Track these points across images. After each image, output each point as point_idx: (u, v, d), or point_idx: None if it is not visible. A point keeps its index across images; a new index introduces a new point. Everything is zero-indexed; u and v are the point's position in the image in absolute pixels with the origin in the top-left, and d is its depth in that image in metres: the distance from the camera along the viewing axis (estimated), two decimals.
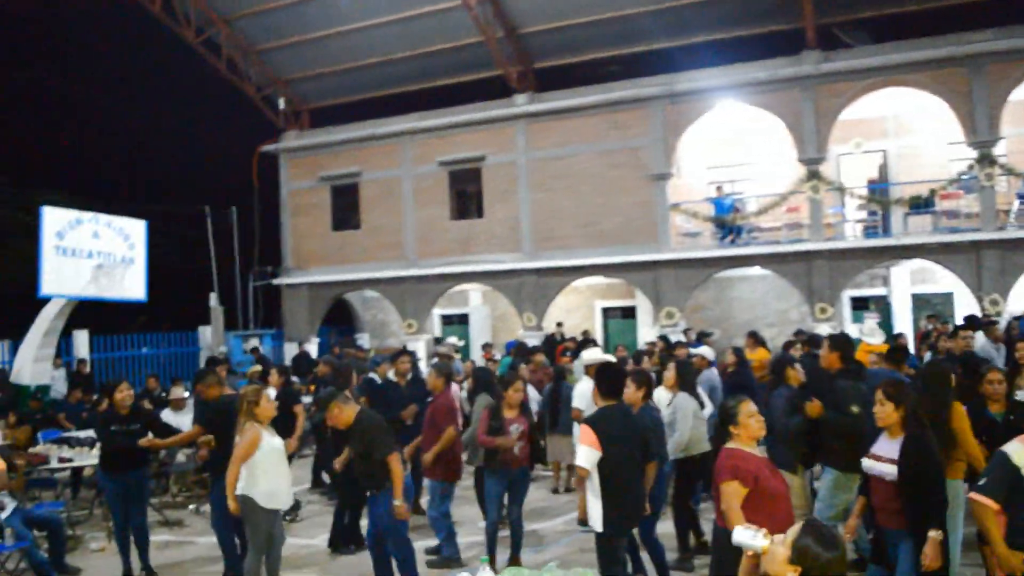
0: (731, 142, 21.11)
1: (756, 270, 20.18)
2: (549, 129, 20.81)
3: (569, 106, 20.44)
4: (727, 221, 19.21)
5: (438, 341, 15.02)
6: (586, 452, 5.60)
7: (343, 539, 8.45)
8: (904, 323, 19.64)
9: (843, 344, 7.06)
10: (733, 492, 4.61)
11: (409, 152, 22.41)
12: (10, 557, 7.85)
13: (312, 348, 22.42)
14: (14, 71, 26.90)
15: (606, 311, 23.58)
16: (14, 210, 24.39)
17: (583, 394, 8.51)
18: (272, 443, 6.59)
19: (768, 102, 18.78)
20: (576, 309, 23.34)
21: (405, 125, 22.33)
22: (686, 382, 7.87)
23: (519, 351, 13.72)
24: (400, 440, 8.59)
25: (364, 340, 24.87)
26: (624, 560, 6.02)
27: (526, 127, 21.02)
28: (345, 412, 6.64)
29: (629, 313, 23.06)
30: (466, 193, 22.28)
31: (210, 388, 7.99)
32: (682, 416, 7.52)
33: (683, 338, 16.30)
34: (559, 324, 20.11)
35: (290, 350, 22.31)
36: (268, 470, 6.51)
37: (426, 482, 8.19)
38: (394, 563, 6.64)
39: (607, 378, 6.01)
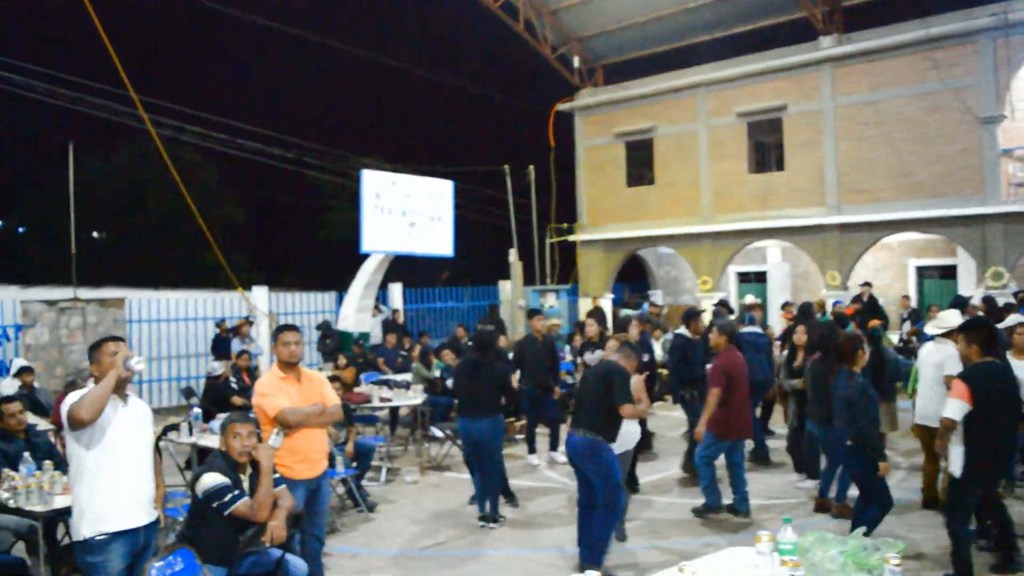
0: None
1: None
2: (858, 72, 19.27)
3: (881, 46, 18.77)
4: None
5: (722, 304, 14.40)
6: (957, 405, 5.75)
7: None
8: None
9: None
10: None
11: (705, 105, 21.78)
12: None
13: (606, 304, 22.66)
14: (334, 50, 29.44)
15: (921, 270, 21.64)
16: (337, 175, 26.76)
17: (952, 357, 7.70)
18: None
19: None
20: (886, 267, 21.67)
21: (701, 76, 21.70)
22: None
23: (803, 312, 12.51)
24: (701, 398, 8.60)
25: (657, 297, 24.79)
26: (970, 509, 5.99)
27: (832, 72, 19.61)
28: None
29: (948, 272, 21.00)
30: (765, 145, 21.30)
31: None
32: None
33: (1013, 301, 14.53)
34: (866, 284, 18.60)
35: (584, 305, 22.71)
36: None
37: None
38: None
39: (983, 335, 5.95)
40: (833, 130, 19.53)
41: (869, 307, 16.60)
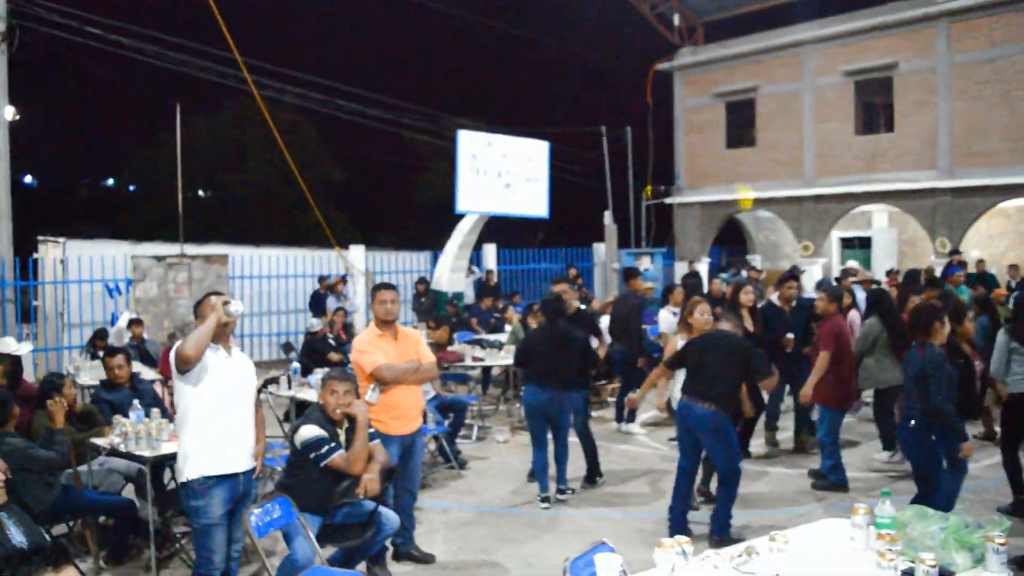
0: None
1: None
2: (976, 28, 18.25)
3: None
4: None
5: (794, 274, 13.96)
6: None
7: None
8: None
9: None
10: None
11: (810, 63, 21.01)
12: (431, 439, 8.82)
13: (702, 268, 22.30)
14: (431, 11, 29.45)
15: None
16: (434, 136, 26.90)
17: None
18: None
19: None
20: (1001, 235, 20.66)
21: (806, 33, 20.92)
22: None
23: (908, 279, 11.68)
24: (779, 367, 8.32)
25: (756, 261, 24.24)
26: None
27: (948, 27, 18.62)
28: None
29: None
30: (873, 105, 20.46)
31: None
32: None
33: None
34: (954, 251, 17.45)
35: (680, 269, 22.40)
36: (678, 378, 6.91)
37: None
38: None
39: None
40: (948, 89, 18.61)
41: (977, 275, 15.92)
